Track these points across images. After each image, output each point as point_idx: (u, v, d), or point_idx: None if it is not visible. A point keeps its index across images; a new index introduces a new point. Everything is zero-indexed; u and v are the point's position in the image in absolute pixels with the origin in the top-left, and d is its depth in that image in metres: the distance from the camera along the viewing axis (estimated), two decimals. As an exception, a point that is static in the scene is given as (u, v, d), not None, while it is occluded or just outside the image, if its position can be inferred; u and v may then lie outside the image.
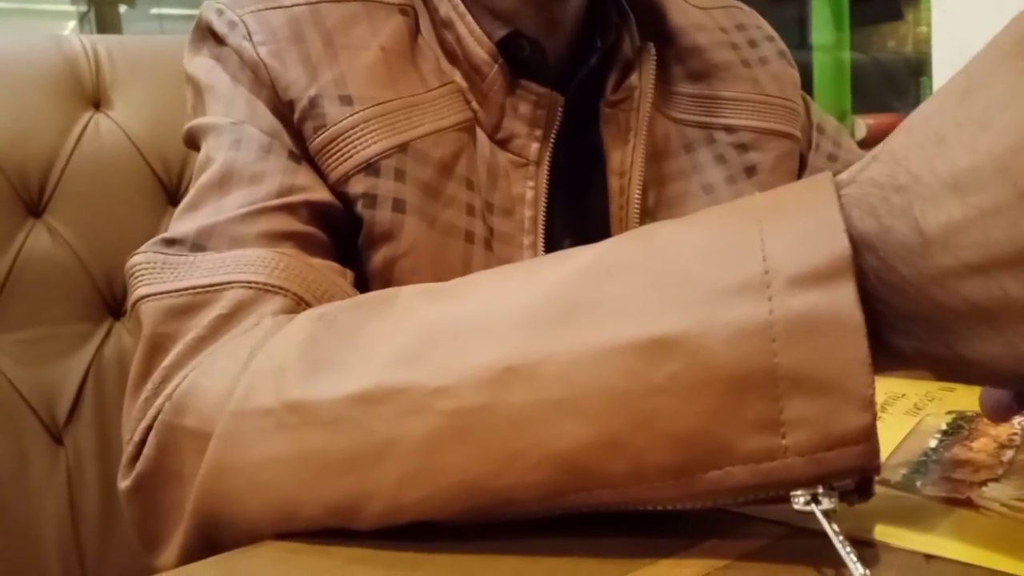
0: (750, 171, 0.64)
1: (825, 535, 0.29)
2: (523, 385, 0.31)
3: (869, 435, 0.28)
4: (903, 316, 0.29)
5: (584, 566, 0.31)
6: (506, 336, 0.32)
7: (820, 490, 0.29)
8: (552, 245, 0.57)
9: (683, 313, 0.30)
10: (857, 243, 0.29)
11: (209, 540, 0.38)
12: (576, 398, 0.31)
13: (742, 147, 0.64)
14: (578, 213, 0.60)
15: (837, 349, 0.28)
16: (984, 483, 0.36)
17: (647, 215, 0.60)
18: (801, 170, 0.69)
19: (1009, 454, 0.39)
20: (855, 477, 0.30)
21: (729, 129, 0.64)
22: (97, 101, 0.81)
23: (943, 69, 1.75)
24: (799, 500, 0.30)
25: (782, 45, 0.71)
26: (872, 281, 0.29)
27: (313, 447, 0.35)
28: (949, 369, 0.30)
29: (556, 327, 0.32)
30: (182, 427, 0.39)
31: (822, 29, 3.00)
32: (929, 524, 0.33)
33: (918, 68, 3.01)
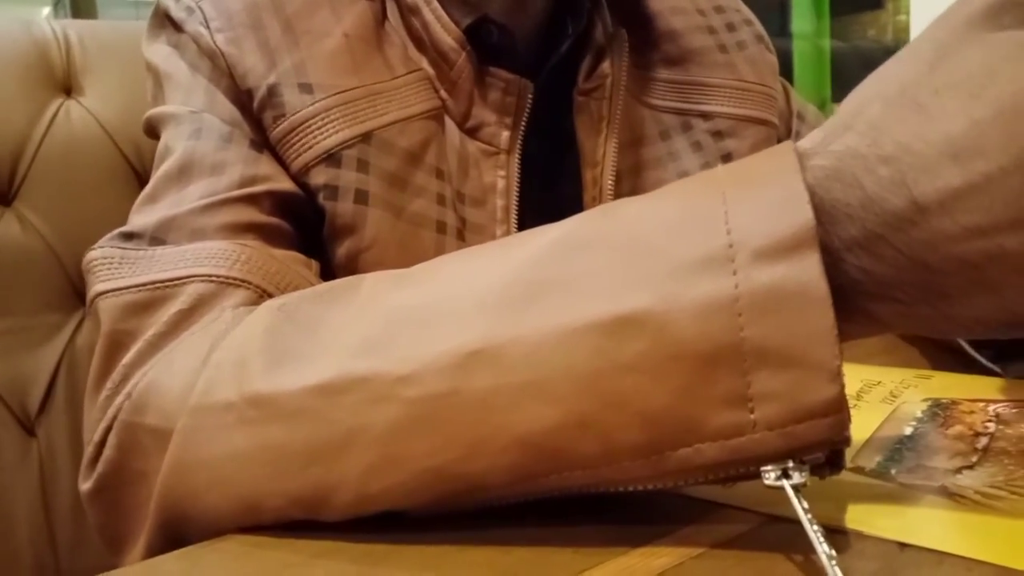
0: (727, 159, 0.63)
1: (800, 523, 0.29)
2: (489, 369, 0.31)
3: (838, 406, 0.28)
4: (886, 283, 0.29)
5: (556, 556, 0.31)
6: (470, 320, 0.32)
7: (790, 465, 0.29)
8: None
9: (649, 289, 0.29)
10: (833, 214, 0.29)
11: (174, 538, 0.37)
12: (543, 380, 0.30)
13: (719, 134, 0.63)
14: (551, 203, 0.59)
15: (803, 321, 0.28)
16: (958, 471, 0.36)
17: None
18: None
19: (983, 441, 0.39)
20: (825, 450, 0.29)
21: (706, 116, 0.63)
22: (68, 87, 0.79)
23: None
24: (769, 475, 0.29)
25: (760, 29, 0.70)
26: (853, 250, 0.29)
27: (275, 440, 0.34)
28: (931, 326, 0.30)
29: (521, 308, 0.31)
30: (143, 426, 0.39)
31: (802, 17, 3.00)
32: (903, 512, 0.33)
33: (898, 57, 3.01)
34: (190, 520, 0.36)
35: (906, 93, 0.29)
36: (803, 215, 0.28)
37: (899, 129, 0.28)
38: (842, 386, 0.28)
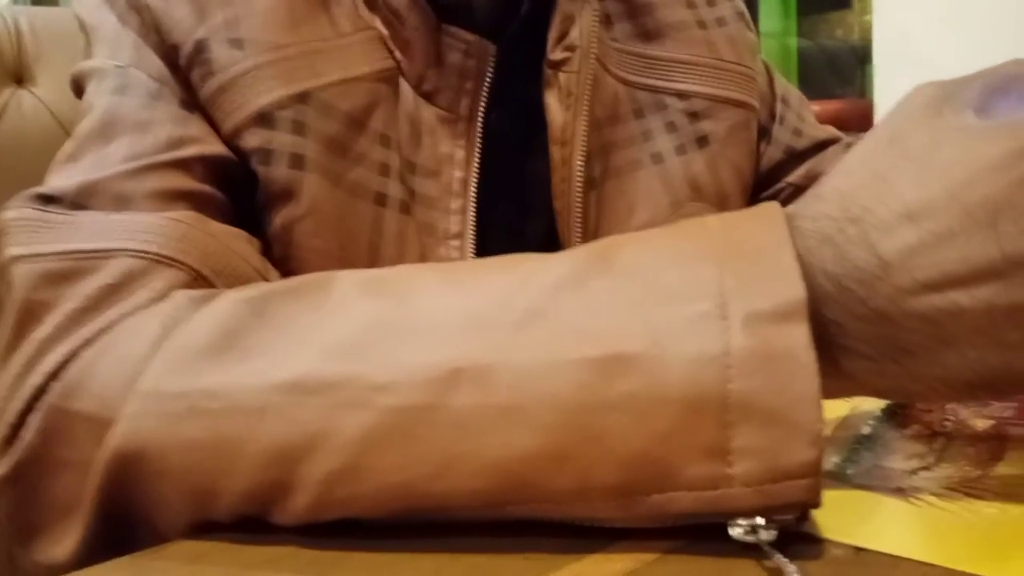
0: (702, 141, 0.61)
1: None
2: (471, 388, 0.31)
3: (814, 470, 0.28)
4: (858, 337, 0.30)
5: (508, 563, 0.30)
6: (456, 337, 0.32)
7: (759, 522, 0.29)
8: (485, 210, 0.53)
9: (642, 335, 0.30)
10: (814, 271, 0.30)
11: (115, 529, 0.35)
12: (525, 406, 0.30)
13: (694, 115, 0.61)
14: (515, 179, 0.57)
15: (789, 383, 0.28)
16: (915, 472, 0.36)
17: (592, 186, 0.57)
18: (763, 141, 0.67)
19: (940, 441, 0.39)
20: (796, 512, 0.30)
21: (681, 95, 0.61)
22: (19, 76, 0.77)
23: (884, 57, 1.77)
24: (737, 530, 0.30)
25: (741, 5, 0.67)
26: (827, 304, 0.30)
27: (233, 434, 0.33)
28: (900, 386, 0.32)
29: (511, 333, 0.31)
30: (74, 412, 0.36)
31: (770, 16, 3.03)
32: (859, 515, 0.33)
33: (863, 56, 3.05)
34: (134, 511, 0.35)
35: (866, 165, 0.32)
36: (796, 291, 0.29)
37: (863, 194, 0.31)
38: (821, 451, 0.28)
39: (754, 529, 0.29)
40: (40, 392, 0.37)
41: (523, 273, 0.33)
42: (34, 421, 0.37)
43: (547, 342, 0.31)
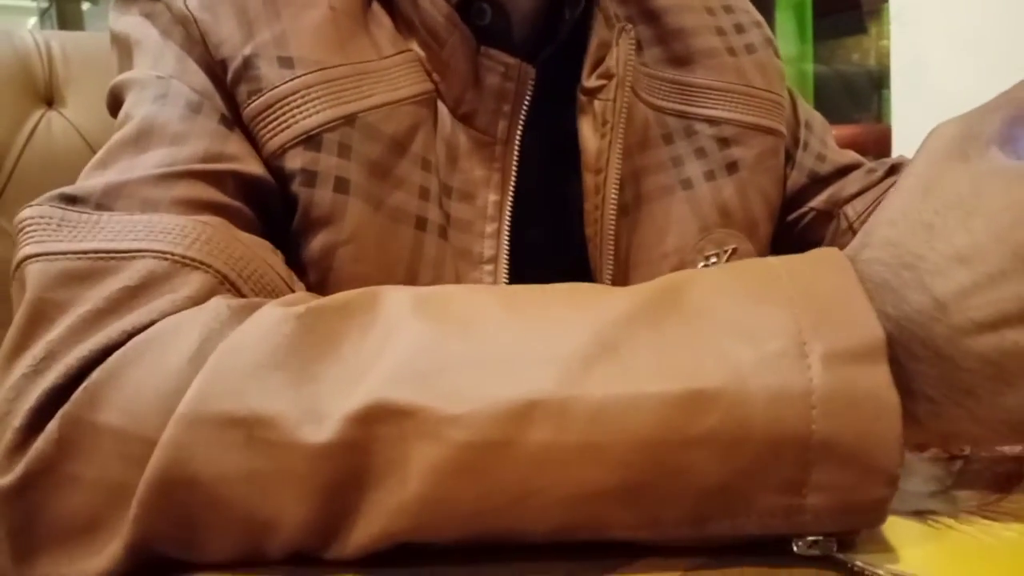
0: (731, 167, 0.61)
1: (773, 549, 0.30)
2: (548, 423, 0.30)
3: (885, 507, 0.30)
4: (920, 380, 0.31)
5: (527, 581, 0.31)
6: (527, 369, 0.31)
7: (820, 539, 0.31)
8: (517, 235, 0.52)
9: (723, 371, 0.30)
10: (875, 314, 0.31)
11: (151, 552, 0.33)
12: (605, 443, 0.30)
13: (724, 141, 0.61)
14: (548, 204, 0.57)
15: (873, 425, 0.29)
16: (933, 495, 0.36)
17: (624, 212, 0.57)
18: (787, 166, 0.67)
19: (958, 464, 0.39)
20: (855, 536, 0.31)
21: (711, 121, 0.61)
22: (50, 98, 0.79)
23: (901, 82, 1.78)
24: (799, 544, 0.31)
25: (769, 32, 0.67)
26: (891, 348, 0.31)
27: (294, 465, 0.31)
28: (963, 431, 0.32)
29: (588, 367, 0.31)
30: (99, 424, 0.33)
31: (787, 41, 3.04)
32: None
33: (880, 81, 3.05)
34: (177, 540, 0.33)
35: (908, 216, 0.32)
36: (874, 332, 0.30)
37: (912, 242, 0.32)
38: (894, 489, 0.29)
39: (815, 543, 0.31)
40: (57, 398, 0.34)
41: (585, 305, 0.33)
42: (50, 430, 0.34)
43: (625, 376, 0.30)
